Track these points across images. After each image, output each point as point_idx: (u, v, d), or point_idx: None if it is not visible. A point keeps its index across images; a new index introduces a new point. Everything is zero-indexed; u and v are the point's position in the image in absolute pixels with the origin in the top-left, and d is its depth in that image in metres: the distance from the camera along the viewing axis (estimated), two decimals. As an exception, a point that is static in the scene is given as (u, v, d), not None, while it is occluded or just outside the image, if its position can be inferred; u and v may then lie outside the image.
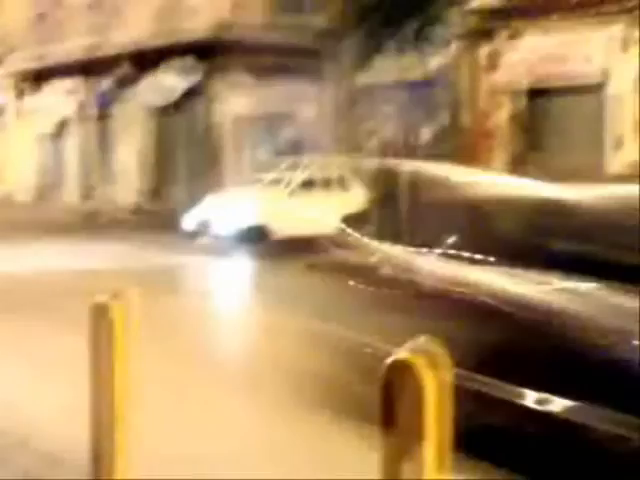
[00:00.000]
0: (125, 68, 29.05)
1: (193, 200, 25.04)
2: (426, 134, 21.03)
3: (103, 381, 4.40)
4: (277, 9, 25.89)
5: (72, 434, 5.61)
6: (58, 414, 6.81)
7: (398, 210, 7.55)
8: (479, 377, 5.20)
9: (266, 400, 7.16)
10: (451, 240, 6.44)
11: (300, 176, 20.75)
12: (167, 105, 27.43)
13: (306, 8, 25.50)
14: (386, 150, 22.33)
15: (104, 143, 31.16)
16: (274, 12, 25.75)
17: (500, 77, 19.28)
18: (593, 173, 16.65)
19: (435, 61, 20.41)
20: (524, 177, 7.28)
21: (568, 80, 18.31)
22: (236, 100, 26.36)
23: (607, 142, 17.73)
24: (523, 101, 19.26)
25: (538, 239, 5.91)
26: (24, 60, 33.82)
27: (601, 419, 4.70)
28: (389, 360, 2.89)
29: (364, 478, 3.49)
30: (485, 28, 19.25)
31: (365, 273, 7.26)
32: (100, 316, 4.37)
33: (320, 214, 20.19)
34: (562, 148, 18.52)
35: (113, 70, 29.46)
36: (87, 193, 32.05)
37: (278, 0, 26.01)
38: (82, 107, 32.20)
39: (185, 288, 16.16)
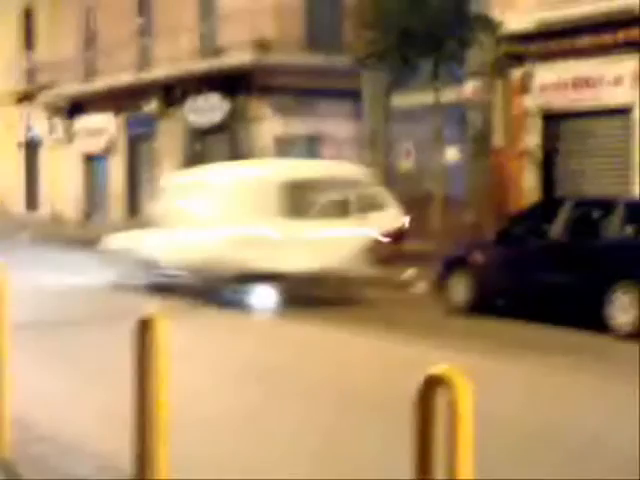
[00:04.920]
0: (170, 90, 29.92)
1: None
2: (453, 154, 21.55)
3: (147, 392, 4.48)
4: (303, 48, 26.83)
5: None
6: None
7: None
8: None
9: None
10: None
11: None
12: (210, 126, 28.21)
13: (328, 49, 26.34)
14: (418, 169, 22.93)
15: (148, 162, 32.04)
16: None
17: (531, 100, 19.81)
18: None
19: (469, 85, 20.98)
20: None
21: (598, 102, 18.74)
22: (276, 121, 27.13)
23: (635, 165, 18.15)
24: (553, 123, 19.77)
25: None
26: (71, 85, 34.86)
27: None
28: (426, 374, 3.09)
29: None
30: (517, 52, 19.80)
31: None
32: (145, 330, 4.53)
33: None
34: (591, 170, 19.01)
35: (158, 91, 30.35)
36: (133, 210, 32.94)
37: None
38: (127, 127, 33.13)
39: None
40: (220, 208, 16.00)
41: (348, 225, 16.31)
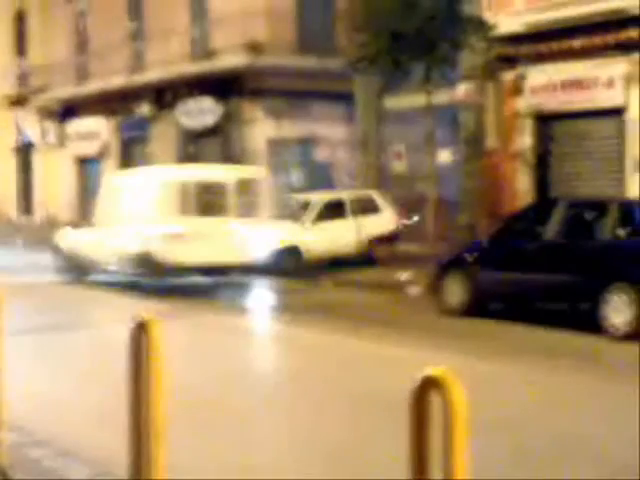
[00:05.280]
0: (162, 93, 29.89)
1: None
2: (445, 156, 21.56)
3: (142, 395, 4.45)
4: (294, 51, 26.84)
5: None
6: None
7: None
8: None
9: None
10: None
11: (330, 198, 21.39)
12: (203, 129, 28.18)
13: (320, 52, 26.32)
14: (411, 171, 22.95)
15: (142, 165, 31.97)
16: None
17: (523, 102, 19.84)
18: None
19: (461, 87, 21.00)
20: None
21: (591, 104, 18.76)
22: (269, 124, 27.11)
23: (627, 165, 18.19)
24: (546, 125, 19.80)
25: None
26: (64, 89, 34.80)
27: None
28: (420, 376, 3.08)
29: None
30: (509, 54, 19.83)
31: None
32: (141, 333, 4.49)
33: (348, 235, 20.89)
34: (585, 171, 19.04)
35: (150, 95, 30.32)
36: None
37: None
38: (120, 130, 33.09)
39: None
40: (132, 208, 17.73)
41: (250, 222, 17.65)
